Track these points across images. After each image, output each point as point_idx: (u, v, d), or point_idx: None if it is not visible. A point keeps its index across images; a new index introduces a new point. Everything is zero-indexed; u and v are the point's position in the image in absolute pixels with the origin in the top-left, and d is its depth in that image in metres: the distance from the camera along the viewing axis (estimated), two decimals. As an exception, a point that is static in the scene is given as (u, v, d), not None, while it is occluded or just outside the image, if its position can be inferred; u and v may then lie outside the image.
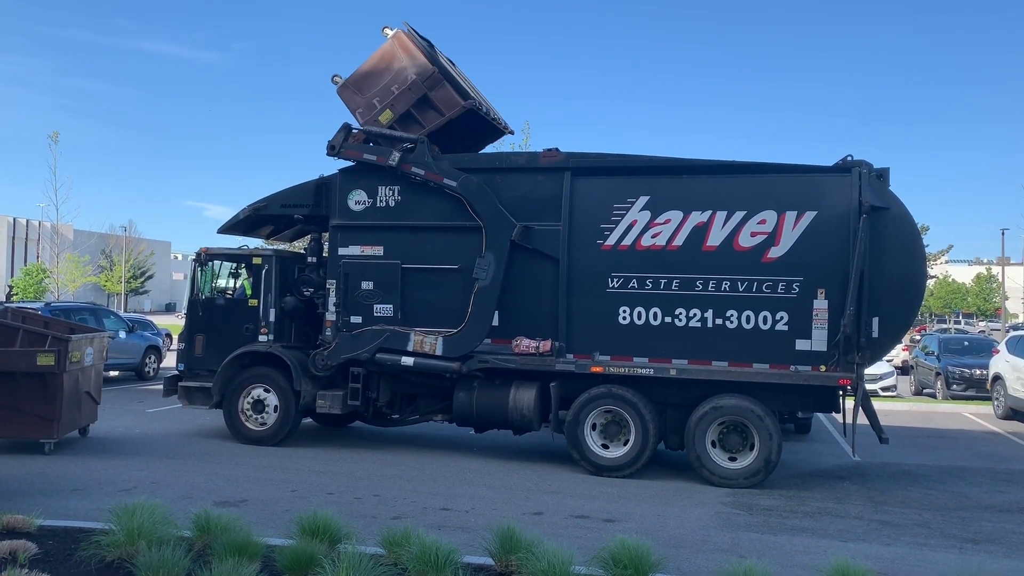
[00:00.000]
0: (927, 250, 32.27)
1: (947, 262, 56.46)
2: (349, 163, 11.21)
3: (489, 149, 13.06)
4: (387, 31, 11.41)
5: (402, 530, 5.76)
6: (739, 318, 9.75)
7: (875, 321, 9.43)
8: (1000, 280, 64.02)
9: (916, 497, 9.48)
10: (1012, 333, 19.77)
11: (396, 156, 10.75)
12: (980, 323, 74.41)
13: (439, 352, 10.49)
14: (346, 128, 11.11)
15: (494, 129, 12.37)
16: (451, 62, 12.23)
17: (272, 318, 11.60)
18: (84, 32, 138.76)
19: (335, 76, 11.55)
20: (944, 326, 60.89)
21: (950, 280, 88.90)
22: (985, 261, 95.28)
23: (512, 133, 12.50)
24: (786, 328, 9.64)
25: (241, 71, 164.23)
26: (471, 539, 6.42)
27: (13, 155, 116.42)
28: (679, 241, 9.96)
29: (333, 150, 11.05)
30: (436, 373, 10.69)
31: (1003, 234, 69.56)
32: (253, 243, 13.25)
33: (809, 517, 8.40)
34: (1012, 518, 8.60)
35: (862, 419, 9.70)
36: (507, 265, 10.33)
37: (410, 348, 10.61)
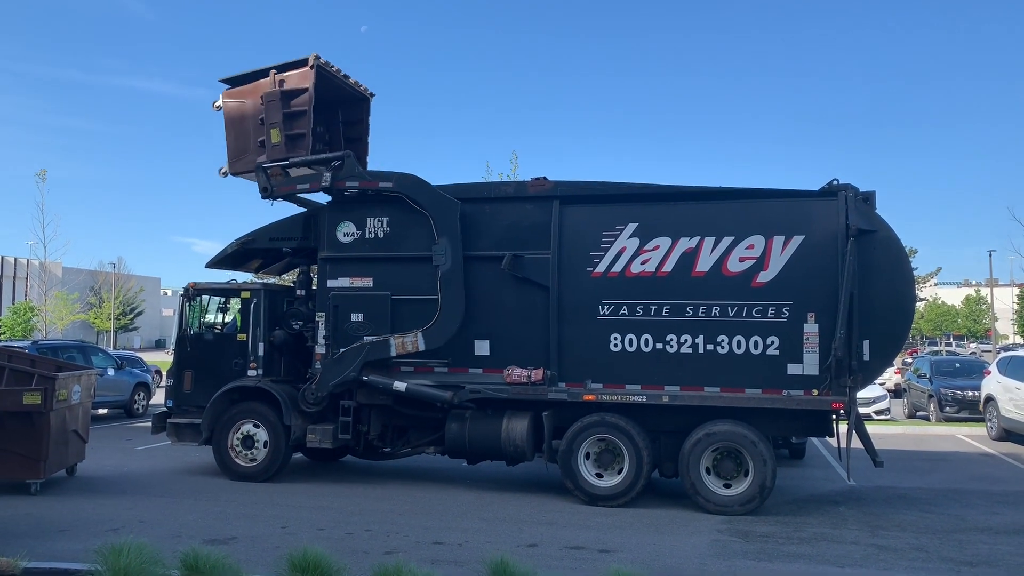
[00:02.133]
0: (916, 273, 32.48)
1: (936, 284, 56.80)
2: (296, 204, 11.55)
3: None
4: (217, 105, 11.85)
5: (394, 565, 5.68)
6: (730, 343, 9.74)
7: (866, 344, 9.43)
8: (989, 301, 64.33)
9: (912, 520, 9.42)
10: (1003, 354, 19.78)
11: (327, 176, 10.92)
12: (971, 345, 74.59)
13: (421, 347, 10.44)
14: (261, 168, 11.16)
15: (357, 96, 12.68)
16: None
17: (261, 352, 11.53)
18: (70, 71, 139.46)
19: (220, 169, 11.90)
20: (935, 348, 60.99)
21: (940, 302, 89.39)
22: (974, 283, 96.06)
23: (373, 95, 12.90)
24: (777, 352, 9.63)
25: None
26: (464, 573, 6.34)
27: (1, 194, 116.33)
28: (668, 267, 9.98)
29: (267, 192, 11.17)
30: (428, 402, 10.61)
31: (991, 256, 70.23)
32: (242, 277, 13.22)
33: (806, 543, 8.32)
34: (1009, 540, 8.55)
35: (856, 443, 9.67)
36: (463, 246, 10.42)
37: (393, 353, 10.56)
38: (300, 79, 11.33)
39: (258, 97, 11.47)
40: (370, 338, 10.72)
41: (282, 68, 11.41)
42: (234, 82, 11.80)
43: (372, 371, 10.73)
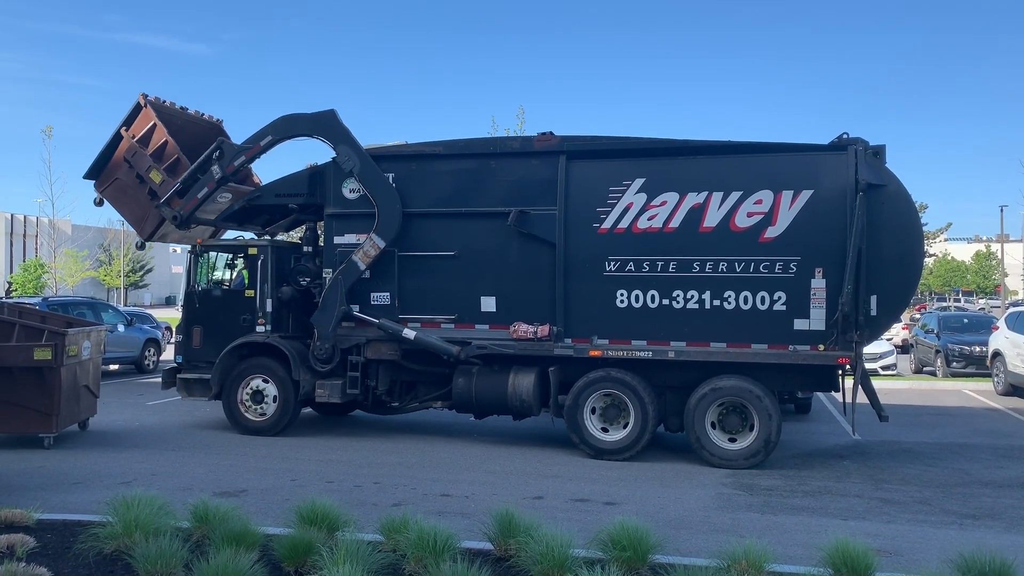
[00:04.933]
0: (926, 228, 32.30)
1: (946, 240, 56.21)
2: (202, 218, 12.00)
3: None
4: (97, 200, 12.55)
5: (401, 517, 5.74)
6: (737, 299, 9.72)
7: (873, 299, 9.40)
8: (999, 257, 63.90)
9: (916, 474, 9.48)
10: (1011, 309, 19.72)
11: (217, 169, 11.37)
12: (980, 300, 74.36)
13: (381, 245, 10.65)
14: (163, 205, 11.60)
15: (207, 127, 13.12)
16: None
17: (269, 308, 11.57)
18: (73, 27, 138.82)
19: (135, 243, 12.80)
20: (944, 304, 60.86)
21: (949, 258, 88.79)
22: (984, 239, 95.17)
23: (221, 121, 13.42)
24: (784, 308, 9.61)
25: (232, 62, 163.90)
26: (470, 524, 6.42)
27: (9, 151, 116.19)
28: (675, 223, 9.91)
29: (177, 219, 11.59)
30: (435, 355, 10.66)
31: (1002, 211, 69.19)
32: (248, 234, 13.20)
33: (809, 496, 8.40)
34: (1012, 493, 8.60)
35: (862, 398, 9.69)
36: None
37: (362, 267, 10.75)
38: (144, 121, 11.94)
39: (122, 163, 11.98)
40: (339, 269, 10.90)
41: (127, 123, 11.99)
42: (94, 171, 12.42)
43: (381, 314, 10.81)
